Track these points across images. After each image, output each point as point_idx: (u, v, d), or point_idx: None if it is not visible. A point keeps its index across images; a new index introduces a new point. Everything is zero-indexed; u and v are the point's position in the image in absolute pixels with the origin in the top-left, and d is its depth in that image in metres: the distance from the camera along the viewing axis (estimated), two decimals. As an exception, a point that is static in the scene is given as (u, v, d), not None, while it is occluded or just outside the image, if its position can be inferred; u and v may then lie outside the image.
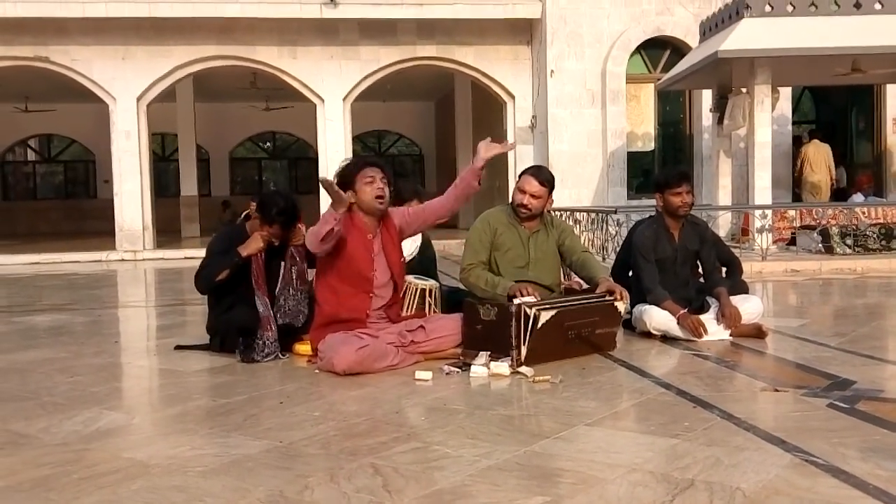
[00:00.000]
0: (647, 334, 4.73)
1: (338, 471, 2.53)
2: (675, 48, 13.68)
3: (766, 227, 9.41)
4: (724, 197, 11.28)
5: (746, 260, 6.88)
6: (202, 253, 4.77)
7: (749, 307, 4.78)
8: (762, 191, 10.16)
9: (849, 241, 9.42)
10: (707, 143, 13.36)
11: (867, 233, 9.51)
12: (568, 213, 10.97)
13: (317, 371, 4.03)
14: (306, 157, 23.14)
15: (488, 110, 16.27)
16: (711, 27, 10.87)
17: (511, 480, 2.42)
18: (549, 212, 4.71)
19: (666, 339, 4.66)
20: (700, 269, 4.98)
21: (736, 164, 12.17)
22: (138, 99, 14.04)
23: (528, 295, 4.13)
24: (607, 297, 4.27)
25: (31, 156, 24.42)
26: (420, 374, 3.79)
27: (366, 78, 14.44)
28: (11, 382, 4.00)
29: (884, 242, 9.44)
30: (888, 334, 5.28)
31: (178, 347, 4.75)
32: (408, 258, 4.76)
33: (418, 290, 4.56)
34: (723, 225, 10.62)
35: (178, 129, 19.06)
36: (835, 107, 15.91)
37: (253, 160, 24.98)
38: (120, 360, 4.71)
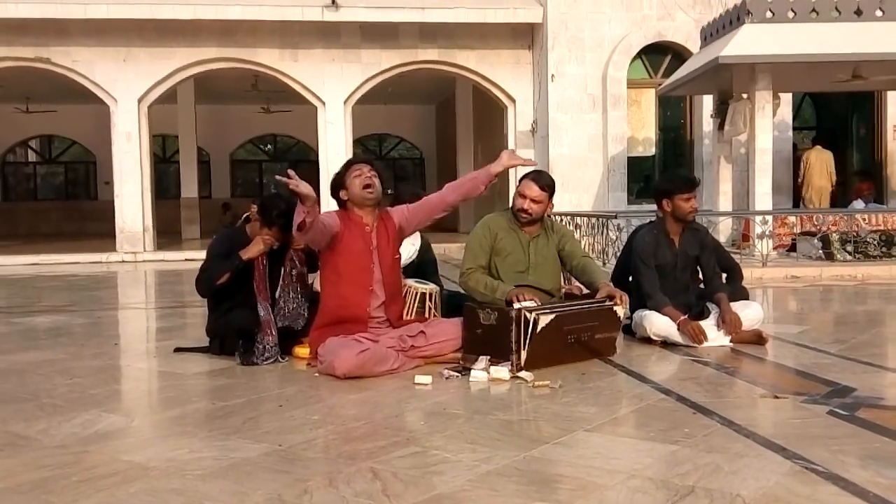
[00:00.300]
0: (647, 340, 4.72)
1: (337, 475, 2.52)
2: (676, 53, 13.69)
3: (767, 233, 9.40)
4: (725, 202, 11.28)
5: (747, 266, 6.87)
6: (202, 255, 4.78)
7: (749, 313, 4.77)
8: (763, 197, 10.15)
9: (849, 248, 9.41)
10: (708, 148, 13.37)
11: (868, 239, 9.50)
12: (568, 217, 10.96)
13: (316, 374, 4.03)
14: (307, 159, 23.13)
15: (489, 114, 16.27)
16: (712, 33, 10.87)
17: (510, 486, 2.41)
18: (549, 216, 4.71)
19: (666, 344, 4.66)
20: (700, 275, 4.97)
21: (736, 169, 12.17)
22: (139, 100, 14.05)
23: (527, 300, 4.13)
24: (607, 302, 4.27)
25: (31, 157, 24.43)
26: (420, 379, 3.79)
27: (367, 81, 14.45)
28: (10, 384, 3.99)
29: (884, 249, 9.43)
30: (888, 341, 5.27)
31: (178, 350, 4.75)
32: (407, 261, 4.76)
33: (418, 294, 4.55)
34: (723, 230, 10.62)
35: (178, 131, 19.09)
36: (835, 113, 15.92)
37: (254, 162, 25.00)
38: (119, 362, 4.70)
